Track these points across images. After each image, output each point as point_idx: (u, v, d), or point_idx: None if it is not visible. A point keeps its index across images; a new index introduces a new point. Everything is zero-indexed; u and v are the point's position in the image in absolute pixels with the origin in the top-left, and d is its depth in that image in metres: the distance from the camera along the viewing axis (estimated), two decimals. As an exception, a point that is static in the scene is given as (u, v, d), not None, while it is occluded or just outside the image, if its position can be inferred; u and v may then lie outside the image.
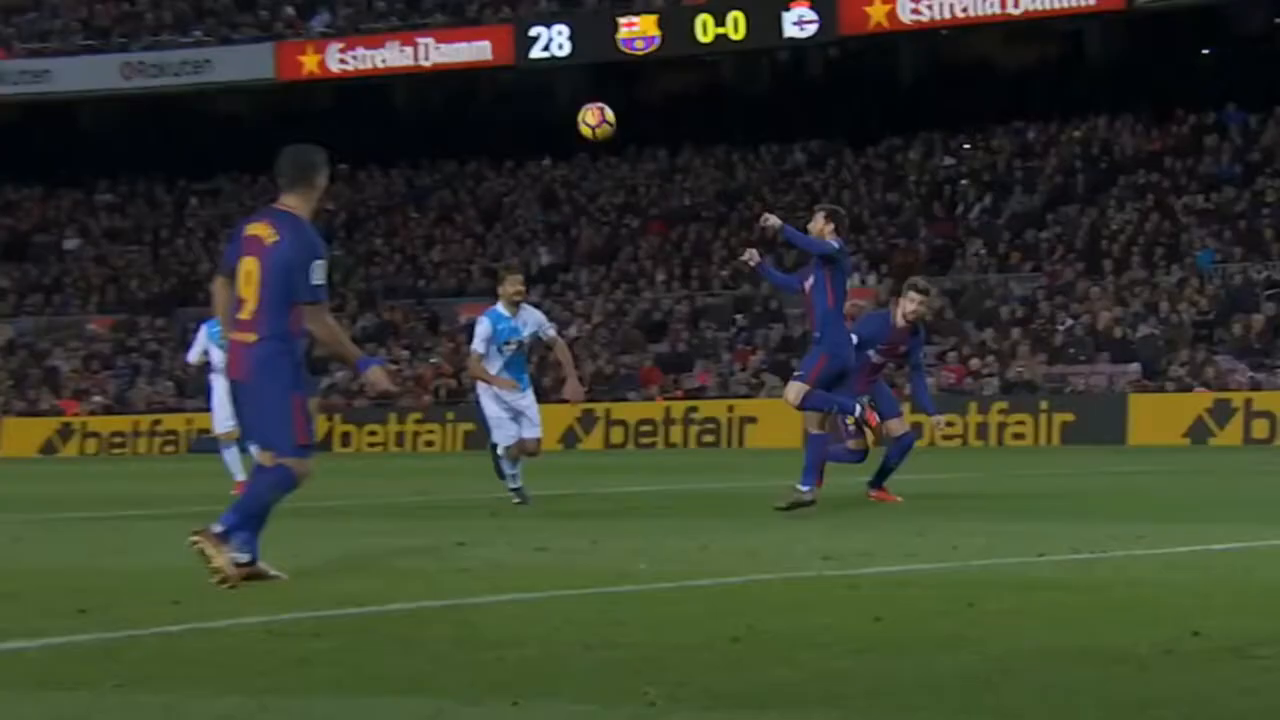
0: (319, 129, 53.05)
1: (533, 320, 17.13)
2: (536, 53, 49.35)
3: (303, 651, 7.49)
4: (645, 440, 39.93)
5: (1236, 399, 36.29)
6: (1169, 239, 44.50)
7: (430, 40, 50.59)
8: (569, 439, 39.79)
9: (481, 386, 17.25)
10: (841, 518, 15.14)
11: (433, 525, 15.16)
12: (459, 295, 49.72)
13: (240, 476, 20.13)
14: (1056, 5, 45.25)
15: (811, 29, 47.07)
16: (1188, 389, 37.56)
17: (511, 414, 17.23)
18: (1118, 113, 48.97)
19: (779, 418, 39.74)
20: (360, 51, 51.20)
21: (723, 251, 47.73)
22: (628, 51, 48.47)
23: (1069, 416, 37.40)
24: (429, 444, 41.66)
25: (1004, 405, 38.12)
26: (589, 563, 11.41)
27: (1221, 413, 35.96)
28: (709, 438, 39.64)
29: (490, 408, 17.23)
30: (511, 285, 17.06)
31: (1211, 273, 42.74)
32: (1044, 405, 37.72)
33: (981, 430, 37.89)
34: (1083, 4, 45.29)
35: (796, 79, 54.92)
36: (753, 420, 39.19)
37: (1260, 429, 35.60)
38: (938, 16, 46.04)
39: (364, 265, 51.83)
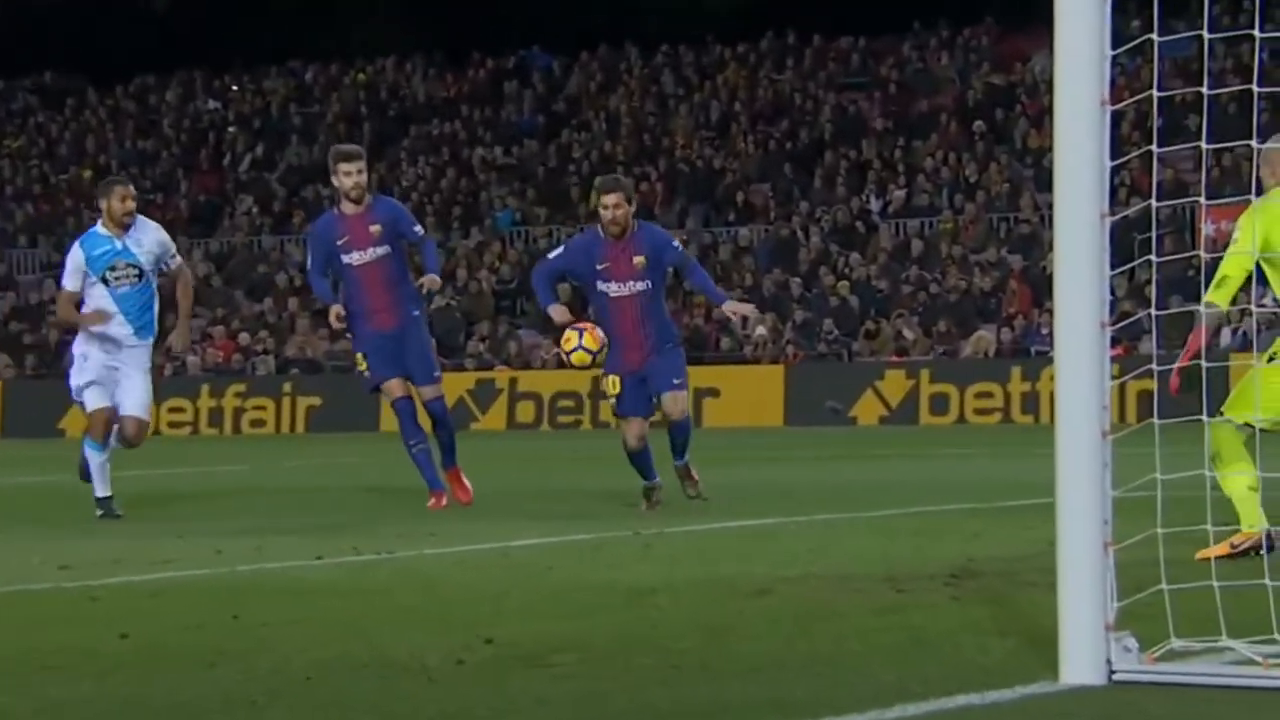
0: None
1: (152, 241, 15.38)
2: None
3: None
4: None
5: (501, 379, 37.70)
6: (467, 197, 45.55)
7: None
8: None
9: (80, 338, 15.42)
10: (89, 521, 14.93)
11: None
12: None
13: None
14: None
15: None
16: (488, 366, 38.62)
17: (109, 375, 15.24)
18: (408, 54, 49.75)
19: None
20: None
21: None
22: None
23: (315, 401, 38.08)
24: None
25: (241, 388, 38.64)
26: None
27: (485, 394, 37.28)
28: None
29: (82, 360, 15.31)
30: (119, 199, 15.25)
31: (511, 236, 43.96)
32: (287, 389, 38.28)
33: (215, 417, 38.32)
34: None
35: (26, 3, 53.69)
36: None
37: (525, 412, 37.08)
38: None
39: None
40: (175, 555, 11.75)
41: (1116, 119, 6.91)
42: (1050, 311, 7.29)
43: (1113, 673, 6.56)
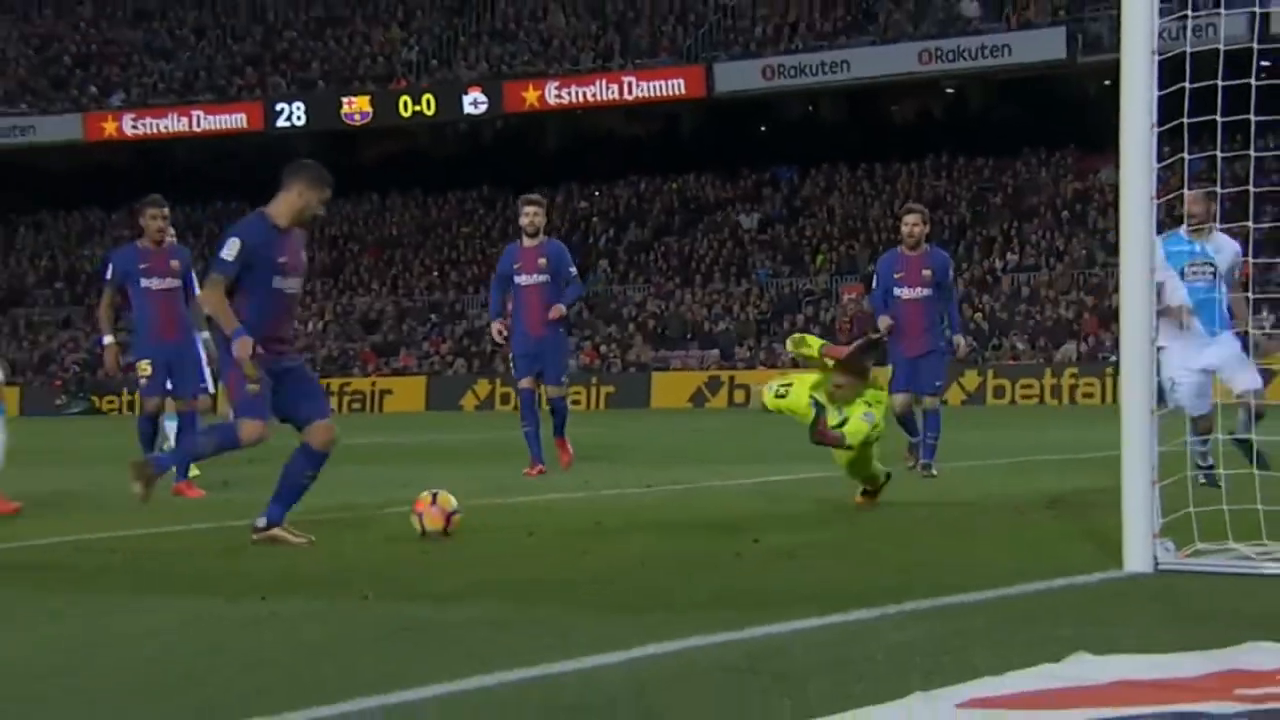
0: (119, 181, 51.20)
1: (1229, 250, 9.86)
2: (280, 123, 48.51)
3: None
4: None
5: (724, 375, 37.26)
6: (739, 261, 45.38)
7: (200, 112, 49.51)
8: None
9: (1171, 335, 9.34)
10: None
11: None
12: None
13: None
14: (658, 94, 46.02)
15: (483, 107, 47.13)
16: (752, 367, 38.44)
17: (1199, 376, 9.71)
18: (703, 170, 49.76)
19: (408, 391, 39.53)
20: (148, 120, 49.83)
21: (419, 268, 47.39)
22: (349, 123, 47.93)
23: (610, 389, 38.17)
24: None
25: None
26: None
27: (713, 385, 37.16)
28: (356, 405, 38.82)
29: (1172, 367, 9.59)
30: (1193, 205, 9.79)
31: (767, 285, 43.75)
32: (594, 380, 38.40)
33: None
34: (676, 94, 46.02)
35: (474, 143, 54.65)
36: (389, 392, 38.79)
37: (738, 395, 37.02)
38: (574, 100, 46.46)
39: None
40: (560, 484, 11.48)
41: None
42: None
43: (1158, 565, 6.30)
